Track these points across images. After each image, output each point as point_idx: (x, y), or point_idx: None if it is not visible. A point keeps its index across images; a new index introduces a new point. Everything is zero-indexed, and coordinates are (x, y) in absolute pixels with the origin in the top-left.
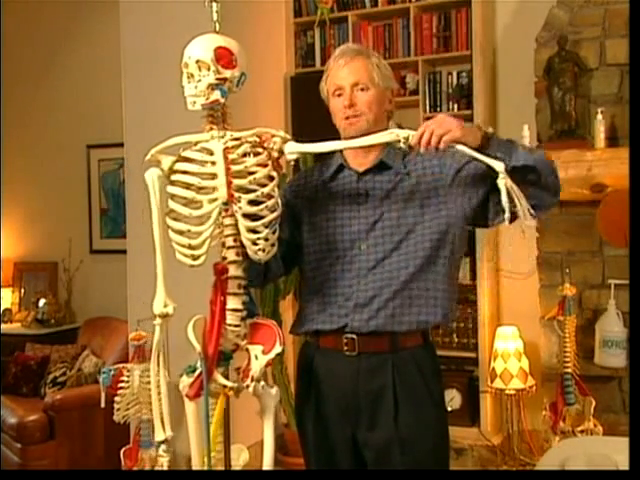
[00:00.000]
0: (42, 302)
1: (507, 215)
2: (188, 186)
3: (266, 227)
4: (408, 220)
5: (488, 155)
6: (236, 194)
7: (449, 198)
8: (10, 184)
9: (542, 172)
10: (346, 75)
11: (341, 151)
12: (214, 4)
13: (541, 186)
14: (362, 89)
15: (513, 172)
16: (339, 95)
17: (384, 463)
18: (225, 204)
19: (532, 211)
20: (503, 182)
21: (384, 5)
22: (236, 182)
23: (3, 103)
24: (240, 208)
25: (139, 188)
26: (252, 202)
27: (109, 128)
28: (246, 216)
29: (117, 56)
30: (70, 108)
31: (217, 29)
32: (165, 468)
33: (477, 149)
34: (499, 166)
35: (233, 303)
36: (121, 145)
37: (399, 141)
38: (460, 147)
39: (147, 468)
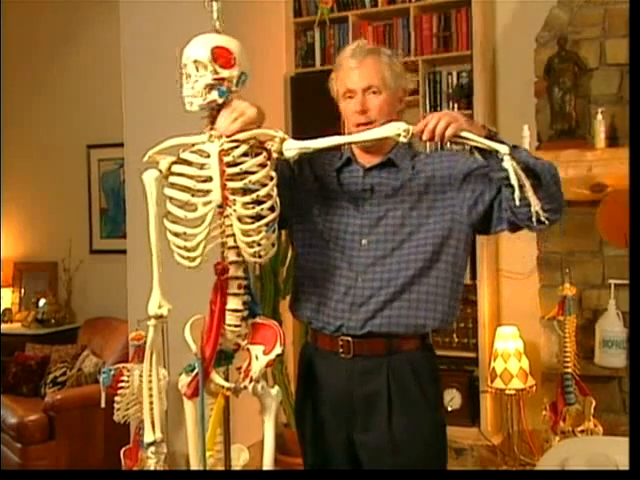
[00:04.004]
0: (42, 302)
1: (517, 194)
2: (184, 188)
3: (264, 228)
4: (412, 220)
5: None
6: (231, 197)
7: (456, 202)
8: (10, 184)
9: (544, 178)
10: (358, 79)
11: (350, 147)
12: (214, 3)
13: (542, 195)
14: (374, 92)
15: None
16: (350, 97)
17: (378, 465)
18: (220, 206)
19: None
20: (509, 163)
21: (384, 5)
22: (230, 184)
23: (3, 103)
24: (235, 211)
25: (139, 188)
26: (250, 204)
27: (109, 128)
28: (243, 218)
29: (117, 56)
30: (70, 108)
31: (217, 28)
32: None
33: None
34: (503, 148)
35: (233, 303)
36: (121, 145)
37: (399, 135)
38: (465, 134)
39: (147, 468)
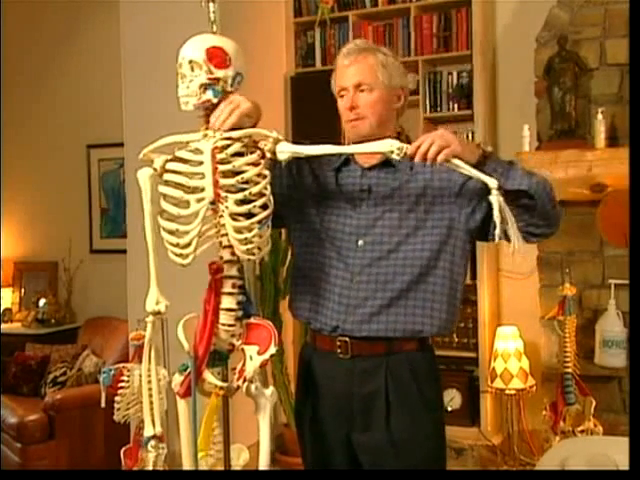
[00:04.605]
0: (42, 302)
1: (497, 231)
2: (178, 186)
3: (256, 225)
4: (409, 222)
5: (484, 173)
6: (223, 193)
7: (453, 207)
8: (10, 184)
9: (538, 199)
10: (349, 76)
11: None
12: (211, 4)
13: (536, 214)
14: (365, 90)
15: (507, 194)
16: (343, 96)
17: (378, 465)
18: (212, 203)
19: (521, 236)
20: (496, 198)
21: (384, 5)
22: (223, 181)
23: (3, 103)
24: (227, 208)
25: (139, 188)
26: (242, 201)
27: (109, 128)
28: (235, 215)
29: (117, 56)
30: (70, 108)
31: (214, 29)
32: (151, 465)
33: (473, 166)
34: (492, 182)
35: (227, 303)
36: (121, 145)
37: (392, 152)
38: (456, 161)
39: (148, 468)
